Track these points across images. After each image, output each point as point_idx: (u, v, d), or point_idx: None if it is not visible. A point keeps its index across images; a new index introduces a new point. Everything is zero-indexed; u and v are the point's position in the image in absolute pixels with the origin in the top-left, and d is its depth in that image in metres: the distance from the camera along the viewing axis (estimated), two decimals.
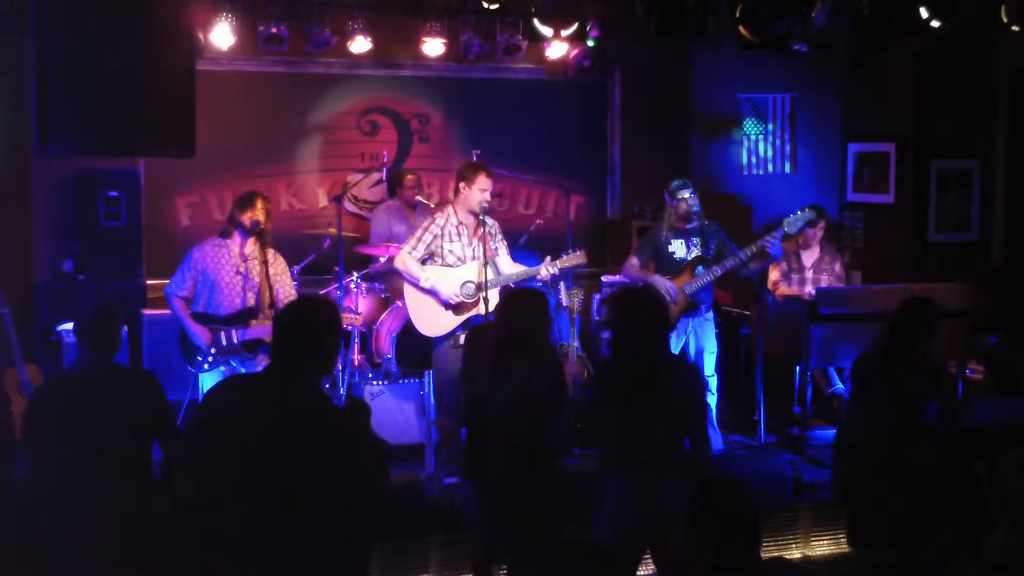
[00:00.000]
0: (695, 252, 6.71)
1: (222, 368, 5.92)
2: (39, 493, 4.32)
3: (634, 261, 6.85)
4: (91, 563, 4.10)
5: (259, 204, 5.90)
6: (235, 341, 5.85)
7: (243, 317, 5.90)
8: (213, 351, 5.85)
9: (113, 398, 4.35)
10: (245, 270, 5.92)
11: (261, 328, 5.86)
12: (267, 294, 5.87)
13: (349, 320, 6.47)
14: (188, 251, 6.04)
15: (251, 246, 5.95)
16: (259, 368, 5.89)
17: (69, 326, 6.85)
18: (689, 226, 6.74)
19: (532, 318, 4.54)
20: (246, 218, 5.87)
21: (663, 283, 6.58)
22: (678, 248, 6.73)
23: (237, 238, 5.94)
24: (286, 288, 5.98)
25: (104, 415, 4.28)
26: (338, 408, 3.57)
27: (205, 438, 3.47)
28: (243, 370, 5.92)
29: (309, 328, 3.49)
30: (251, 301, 5.94)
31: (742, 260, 6.59)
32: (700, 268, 6.66)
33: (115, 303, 4.74)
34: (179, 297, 5.90)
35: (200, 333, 5.85)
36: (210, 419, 3.51)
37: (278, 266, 6.02)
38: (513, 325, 4.52)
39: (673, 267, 6.71)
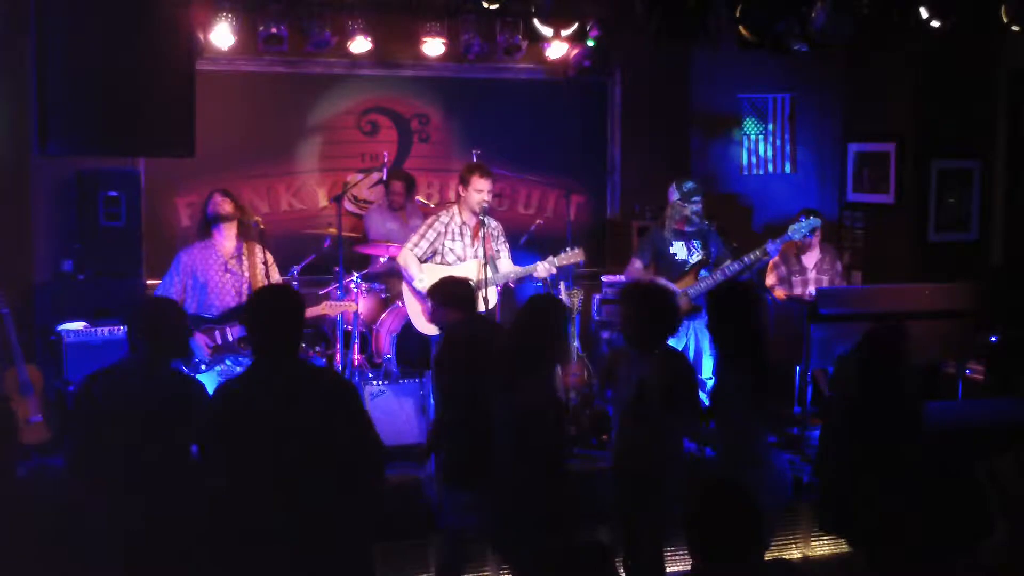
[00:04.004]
0: (696, 255, 6.72)
1: (219, 368, 5.94)
2: (82, 486, 4.30)
3: (636, 264, 6.86)
4: (127, 560, 4.09)
5: (216, 196, 6.01)
6: (230, 339, 5.89)
7: (236, 313, 5.93)
8: (211, 349, 5.87)
9: (157, 398, 4.31)
10: (233, 267, 5.96)
11: None
12: (256, 287, 5.93)
13: (341, 308, 6.43)
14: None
15: (234, 242, 6.00)
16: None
17: (69, 326, 6.85)
18: (689, 228, 6.75)
19: (549, 333, 4.55)
20: (209, 208, 6.02)
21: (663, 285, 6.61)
22: (679, 250, 6.74)
23: (218, 237, 5.99)
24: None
25: (145, 414, 4.24)
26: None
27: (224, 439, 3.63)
28: (238, 368, 5.94)
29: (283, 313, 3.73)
30: (243, 298, 5.97)
31: (746, 265, 6.62)
32: (705, 271, 6.67)
33: (172, 304, 4.68)
34: None
35: (196, 337, 5.87)
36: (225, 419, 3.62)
37: (267, 260, 6.05)
38: (531, 336, 4.52)
39: (675, 269, 6.72)
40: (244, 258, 5.98)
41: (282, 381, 3.66)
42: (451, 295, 5.02)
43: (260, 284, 5.96)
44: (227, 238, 5.98)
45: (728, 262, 6.68)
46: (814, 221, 6.90)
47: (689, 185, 6.73)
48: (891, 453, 4.80)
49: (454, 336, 4.90)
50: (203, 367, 5.91)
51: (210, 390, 5.89)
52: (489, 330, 5.29)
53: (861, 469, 4.86)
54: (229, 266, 5.97)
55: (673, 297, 4.93)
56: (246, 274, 5.96)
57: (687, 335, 6.69)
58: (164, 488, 4.13)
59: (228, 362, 5.94)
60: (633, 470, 4.67)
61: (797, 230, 6.80)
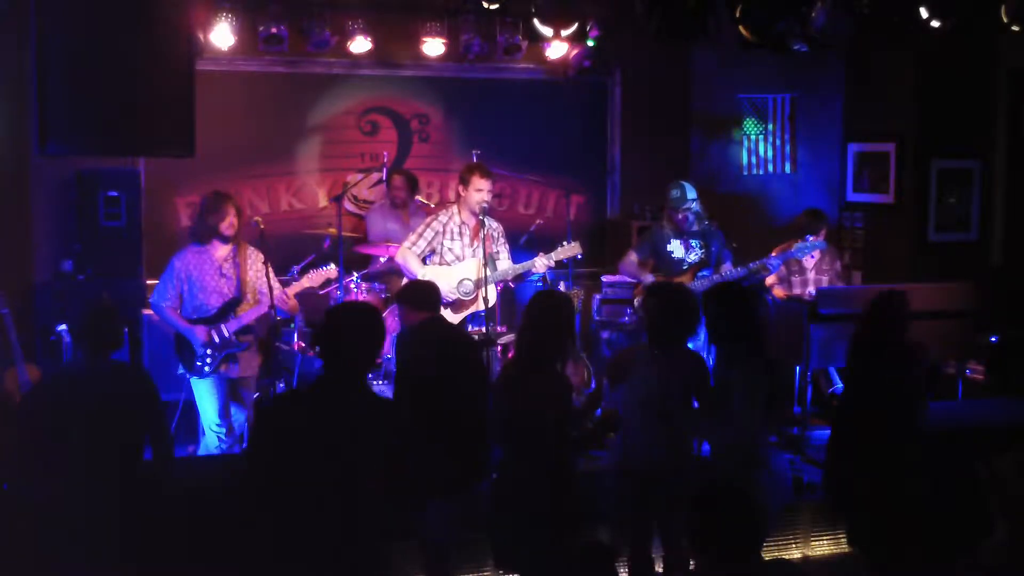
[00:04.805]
0: (694, 254, 6.72)
1: (220, 368, 5.95)
2: (35, 492, 4.30)
3: (632, 257, 6.87)
4: (84, 561, 4.09)
5: (231, 209, 5.95)
6: (226, 334, 5.91)
7: (230, 307, 5.96)
8: (210, 351, 5.89)
9: (106, 396, 4.34)
10: (227, 270, 5.97)
11: (246, 315, 5.97)
12: (247, 285, 5.97)
13: (323, 276, 6.35)
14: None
15: (229, 246, 6.01)
16: (251, 358, 6.01)
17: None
18: (689, 228, 6.75)
19: (554, 330, 4.52)
20: (224, 226, 5.93)
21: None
22: (676, 248, 6.74)
23: (216, 244, 5.97)
24: (265, 282, 5.99)
25: (97, 413, 4.26)
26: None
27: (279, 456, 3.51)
28: (237, 368, 5.96)
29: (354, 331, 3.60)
30: (236, 295, 6.00)
31: (746, 273, 6.63)
32: (706, 272, 6.67)
33: (110, 301, 4.74)
34: (165, 306, 5.95)
35: (196, 330, 5.89)
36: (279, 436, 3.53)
37: (266, 261, 6.06)
38: (537, 333, 4.51)
39: (672, 268, 6.72)
40: (237, 259, 6.00)
41: (341, 407, 3.53)
42: (423, 298, 4.99)
43: (252, 284, 6.01)
44: (223, 245, 6.00)
45: (728, 266, 6.69)
46: (820, 244, 6.97)
47: (674, 193, 6.69)
48: (891, 448, 4.81)
49: (426, 335, 4.85)
50: (206, 369, 5.92)
51: (210, 391, 5.99)
52: (460, 333, 5.28)
53: (862, 468, 4.86)
54: (223, 269, 5.98)
55: (696, 298, 4.92)
56: (237, 273, 5.99)
57: None
58: (123, 484, 4.16)
59: (227, 361, 5.96)
60: (645, 470, 4.66)
61: (802, 249, 6.88)
